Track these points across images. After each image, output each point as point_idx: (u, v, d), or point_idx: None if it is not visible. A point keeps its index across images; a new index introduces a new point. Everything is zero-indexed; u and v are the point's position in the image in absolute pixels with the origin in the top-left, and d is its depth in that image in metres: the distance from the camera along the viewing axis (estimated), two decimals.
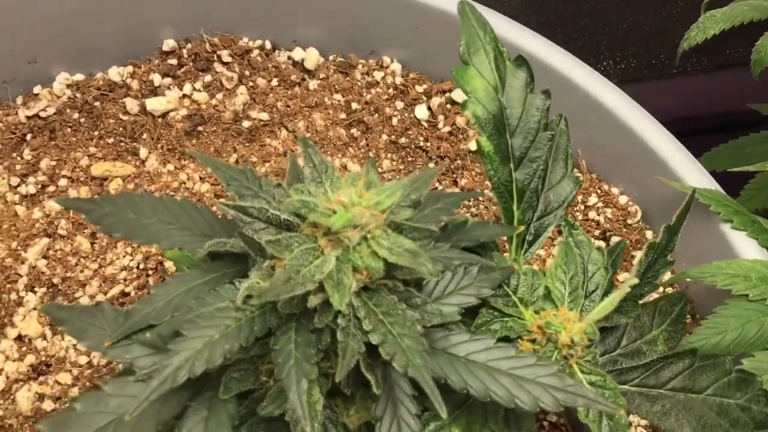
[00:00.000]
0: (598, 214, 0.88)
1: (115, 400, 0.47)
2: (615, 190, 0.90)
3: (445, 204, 0.56)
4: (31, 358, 0.77)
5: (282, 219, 0.48)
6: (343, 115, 0.93)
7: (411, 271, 0.49)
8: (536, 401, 0.49)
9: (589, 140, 0.89)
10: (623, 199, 0.89)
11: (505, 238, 0.60)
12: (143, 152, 0.89)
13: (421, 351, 0.45)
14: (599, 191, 0.90)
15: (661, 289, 0.81)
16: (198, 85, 0.93)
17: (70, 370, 0.77)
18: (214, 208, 0.60)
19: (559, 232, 0.86)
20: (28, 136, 0.89)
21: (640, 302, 0.63)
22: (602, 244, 0.87)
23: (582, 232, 0.60)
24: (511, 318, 0.55)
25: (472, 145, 0.92)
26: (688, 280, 0.86)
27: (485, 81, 0.58)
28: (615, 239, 0.87)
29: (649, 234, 0.88)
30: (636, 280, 0.58)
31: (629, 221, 0.88)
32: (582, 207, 0.89)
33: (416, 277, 0.51)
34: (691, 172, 0.80)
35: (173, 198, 0.55)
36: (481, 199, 0.89)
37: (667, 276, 0.69)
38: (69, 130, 0.90)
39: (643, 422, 0.76)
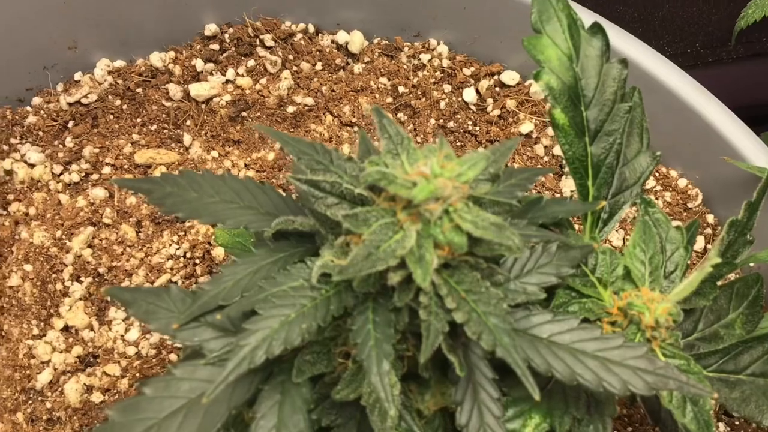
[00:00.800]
0: (657, 198, 0.85)
1: (186, 384, 0.45)
2: (674, 173, 0.87)
3: (519, 180, 0.53)
4: (78, 350, 0.76)
5: (356, 193, 0.46)
6: (389, 99, 0.90)
7: (491, 248, 0.46)
8: (626, 385, 0.46)
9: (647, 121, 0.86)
10: (682, 182, 0.86)
11: (578, 217, 0.58)
12: (187, 139, 0.87)
13: (509, 330, 0.42)
14: (657, 174, 0.87)
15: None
16: (241, 70, 0.91)
17: (119, 362, 0.75)
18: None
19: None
20: (70, 124, 0.87)
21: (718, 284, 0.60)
22: None
23: (659, 210, 0.58)
24: (590, 299, 0.53)
25: (524, 128, 0.89)
26: (752, 265, 0.83)
27: (559, 50, 0.55)
28: (675, 224, 0.83)
29: (710, 218, 0.84)
30: (718, 260, 0.55)
31: (689, 205, 0.85)
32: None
33: (494, 255, 0.49)
34: (758, 153, 0.77)
35: (236, 176, 0.53)
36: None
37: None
38: (111, 117, 0.88)
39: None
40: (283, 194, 0.54)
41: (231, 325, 0.48)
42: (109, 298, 0.78)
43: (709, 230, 0.84)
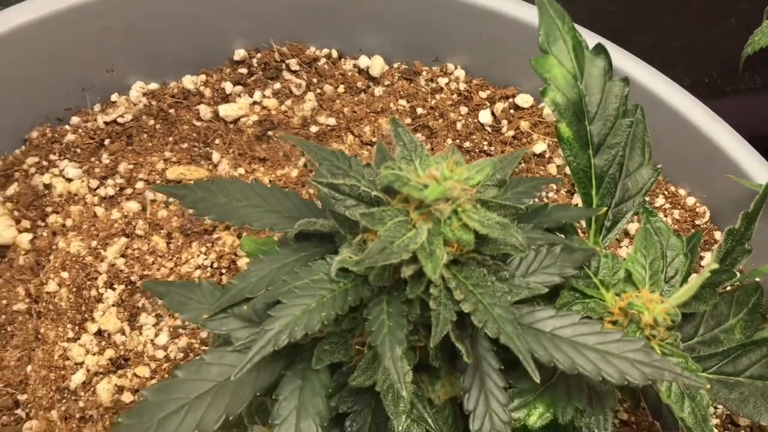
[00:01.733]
0: (666, 216, 0.89)
1: (215, 369, 0.49)
2: (682, 192, 0.90)
3: (526, 188, 0.57)
4: (110, 352, 0.80)
5: (372, 195, 0.50)
6: (408, 120, 0.95)
7: (498, 248, 0.50)
8: (623, 375, 0.49)
9: (655, 141, 0.89)
10: (691, 201, 0.89)
11: (584, 225, 0.61)
12: (216, 156, 0.92)
13: (512, 320, 0.46)
14: (666, 192, 0.90)
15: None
16: (267, 92, 0.96)
17: (148, 364, 0.79)
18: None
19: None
20: (107, 141, 0.93)
21: (718, 291, 0.63)
22: None
23: (660, 219, 0.61)
24: (593, 299, 0.56)
25: (537, 148, 0.93)
26: (757, 279, 0.85)
27: (564, 69, 0.59)
28: None
29: (717, 235, 0.87)
30: (716, 265, 0.58)
31: (697, 222, 0.88)
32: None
33: (502, 254, 0.52)
34: (762, 171, 0.80)
35: (262, 183, 0.58)
36: (546, 200, 0.90)
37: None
38: (145, 135, 0.93)
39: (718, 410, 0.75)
40: (313, 201, 0.58)
41: (256, 316, 0.52)
42: (140, 304, 0.83)
43: (716, 246, 0.87)
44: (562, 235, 0.58)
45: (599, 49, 0.60)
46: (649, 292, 0.57)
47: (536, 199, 0.88)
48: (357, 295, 0.48)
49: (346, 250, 0.50)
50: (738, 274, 0.62)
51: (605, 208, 0.59)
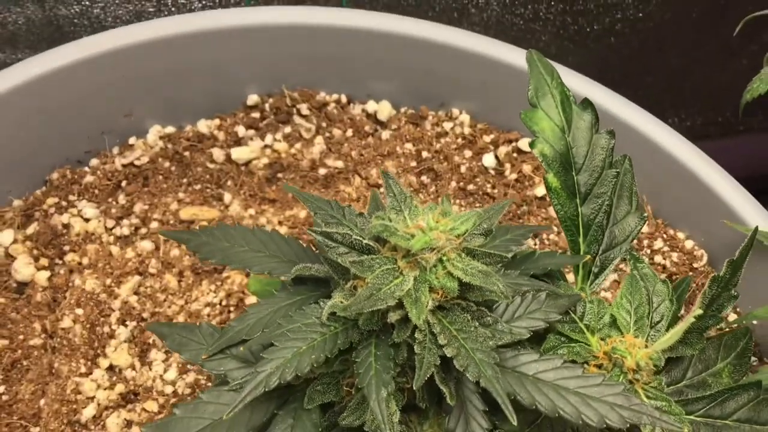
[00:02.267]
0: (664, 258, 0.90)
1: (211, 407, 0.52)
2: (681, 235, 0.92)
3: (515, 235, 0.60)
4: (120, 387, 0.83)
5: (364, 244, 0.53)
6: (413, 163, 0.98)
7: (483, 294, 0.53)
8: (603, 418, 0.51)
9: (655, 186, 0.92)
10: (689, 244, 0.91)
11: (572, 271, 0.63)
12: (227, 197, 0.95)
13: (492, 364, 0.48)
14: (665, 236, 0.92)
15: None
16: (278, 135, 1.00)
17: (157, 399, 0.82)
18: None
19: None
20: (123, 183, 0.96)
21: (706, 336, 0.64)
22: None
23: (647, 266, 0.63)
24: (578, 343, 0.58)
25: (539, 191, 0.95)
26: (755, 322, 0.87)
27: (552, 122, 0.62)
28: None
29: None
30: (701, 311, 0.60)
31: (695, 265, 0.89)
32: (648, 251, 0.91)
33: (487, 300, 0.55)
34: (756, 217, 0.82)
35: (263, 229, 0.61)
36: (547, 242, 0.92)
37: (732, 316, 0.71)
38: (161, 177, 0.97)
39: None
40: (311, 247, 0.61)
41: (252, 357, 0.54)
42: (151, 341, 0.86)
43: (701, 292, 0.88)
44: (549, 281, 0.60)
45: (586, 104, 0.62)
46: (634, 336, 0.58)
47: (537, 242, 0.90)
48: (347, 339, 0.51)
49: (338, 295, 0.53)
50: (723, 319, 0.63)
51: (589, 256, 0.61)
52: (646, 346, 0.58)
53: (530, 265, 0.59)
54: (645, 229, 0.92)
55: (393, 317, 0.50)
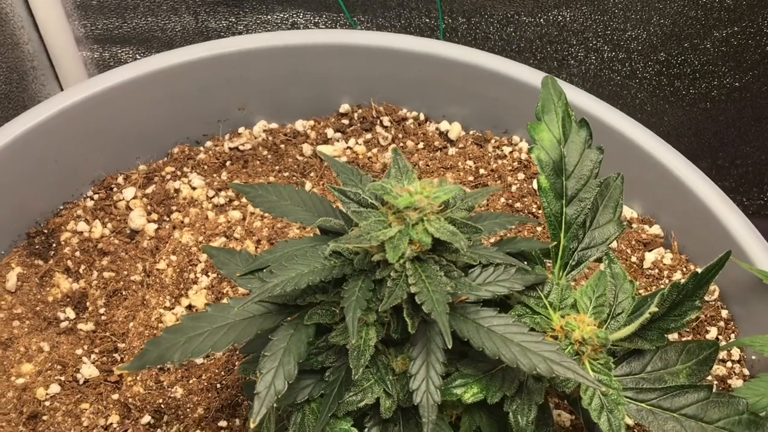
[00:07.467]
0: None
1: (235, 310, 0.67)
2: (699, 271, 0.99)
3: (503, 221, 0.72)
4: None
5: (369, 202, 0.67)
6: (471, 178, 1.11)
7: (458, 256, 0.65)
8: (534, 366, 0.62)
9: (683, 225, 1.00)
10: None
11: (551, 261, 0.75)
12: (308, 186, 1.12)
13: (444, 303, 0.61)
14: (684, 269, 1.00)
15: None
16: (360, 140, 1.16)
17: None
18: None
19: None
20: (228, 163, 1.15)
21: (669, 337, 0.74)
22: None
23: (620, 266, 0.73)
24: (540, 316, 0.69)
25: None
26: (753, 357, 0.93)
27: (551, 134, 0.74)
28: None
29: (724, 313, 0.96)
30: (656, 309, 0.70)
31: (707, 298, 0.97)
32: (666, 281, 0.99)
33: (466, 265, 0.68)
34: (762, 256, 0.89)
35: (304, 190, 0.76)
36: None
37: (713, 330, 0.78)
38: (258, 162, 1.15)
39: None
40: (339, 208, 0.76)
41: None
42: (225, 291, 1.03)
43: (722, 323, 0.96)
44: (528, 264, 0.72)
45: (583, 123, 0.74)
46: (587, 317, 0.69)
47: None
48: (340, 271, 0.65)
49: (342, 239, 0.67)
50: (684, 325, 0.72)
51: (558, 242, 0.72)
52: (598, 327, 0.69)
53: (509, 246, 0.71)
54: (668, 261, 1.01)
55: (376, 257, 0.64)
